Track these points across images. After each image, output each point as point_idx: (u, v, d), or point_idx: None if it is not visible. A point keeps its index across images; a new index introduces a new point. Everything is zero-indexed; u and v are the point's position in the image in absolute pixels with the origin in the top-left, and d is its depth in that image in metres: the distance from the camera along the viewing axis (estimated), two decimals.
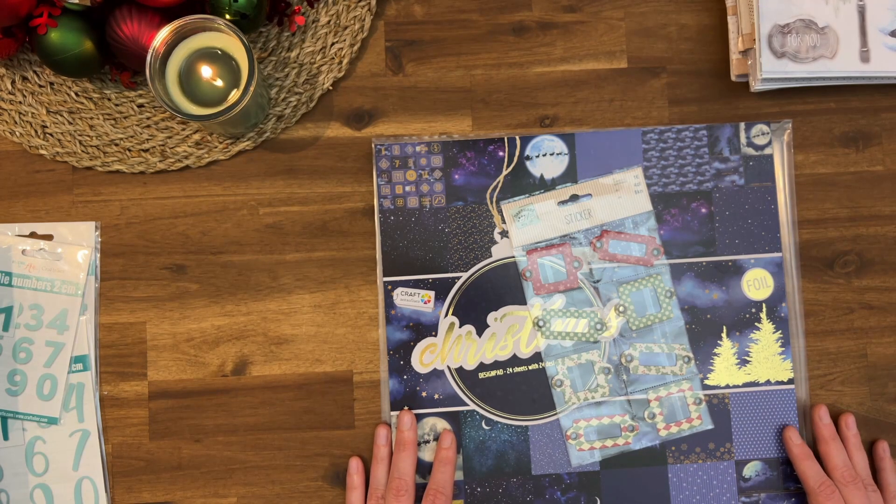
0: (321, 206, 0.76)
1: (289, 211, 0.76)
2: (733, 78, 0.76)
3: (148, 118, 0.76)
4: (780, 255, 0.76)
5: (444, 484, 0.72)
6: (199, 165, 0.76)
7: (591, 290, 0.75)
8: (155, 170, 0.76)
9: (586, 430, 0.75)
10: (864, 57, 0.74)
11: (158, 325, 0.75)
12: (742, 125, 0.76)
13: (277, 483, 0.75)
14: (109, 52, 0.72)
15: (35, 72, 0.76)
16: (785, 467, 0.75)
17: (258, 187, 0.76)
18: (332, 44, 0.77)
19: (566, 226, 0.76)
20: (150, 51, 0.68)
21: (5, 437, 0.74)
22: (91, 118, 0.76)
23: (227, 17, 0.71)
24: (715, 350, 0.75)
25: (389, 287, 0.75)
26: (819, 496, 0.70)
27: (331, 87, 0.77)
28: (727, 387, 0.75)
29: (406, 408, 0.74)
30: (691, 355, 0.75)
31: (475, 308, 0.75)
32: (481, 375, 0.75)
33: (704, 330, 0.75)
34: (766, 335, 0.75)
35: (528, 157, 0.76)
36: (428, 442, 0.74)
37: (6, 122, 0.76)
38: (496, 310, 0.75)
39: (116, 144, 0.76)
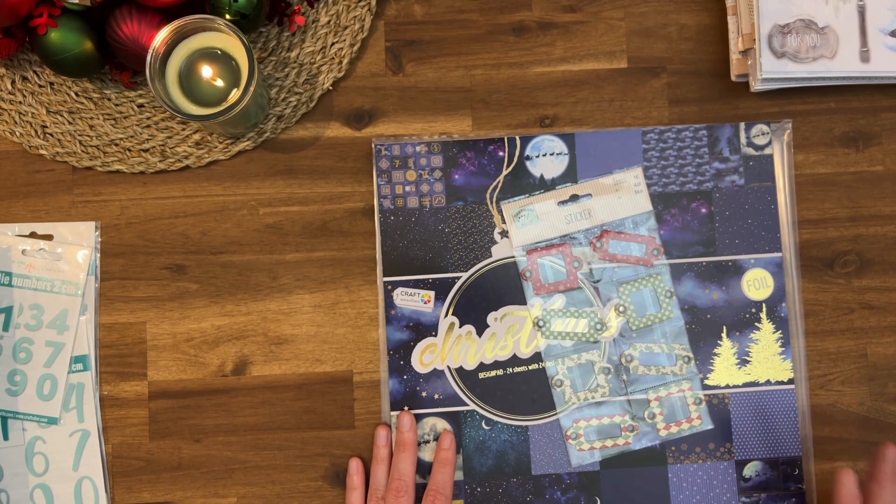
0: (321, 206, 0.76)
1: (289, 211, 0.76)
2: (733, 78, 0.76)
3: (148, 118, 0.76)
4: (780, 255, 0.76)
5: (443, 484, 0.72)
6: (199, 165, 0.76)
7: (591, 290, 0.75)
8: (155, 170, 0.76)
9: (586, 430, 0.75)
10: (864, 57, 0.74)
11: (158, 325, 0.75)
12: (742, 125, 0.76)
13: (277, 483, 0.75)
14: (109, 52, 0.72)
15: (35, 72, 0.76)
16: (785, 467, 0.75)
17: (258, 187, 0.76)
18: (332, 44, 0.77)
19: (566, 226, 0.76)
20: (150, 51, 0.68)
21: (5, 437, 0.74)
22: (91, 118, 0.76)
23: (227, 17, 0.71)
24: (715, 350, 0.75)
25: (389, 287, 0.75)
26: None
27: (331, 87, 0.77)
28: (727, 387, 0.75)
29: (406, 408, 0.74)
30: (691, 355, 0.75)
31: (475, 308, 0.75)
32: (481, 375, 0.75)
33: (704, 330, 0.75)
34: (766, 335, 0.75)
35: (528, 157, 0.76)
36: (428, 442, 0.74)
37: (6, 122, 0.76)
38: (496, 310, 0.75)
39: (116, 144, 0.76)
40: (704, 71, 0.78)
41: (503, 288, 0.75)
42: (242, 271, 0.76)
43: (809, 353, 0.77)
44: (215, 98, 0.70)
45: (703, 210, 0.76)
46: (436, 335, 0.75)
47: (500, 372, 0.75)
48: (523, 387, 0.75)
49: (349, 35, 0.77)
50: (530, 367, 0.75)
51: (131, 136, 0.76)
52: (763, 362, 0.75)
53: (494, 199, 0.76)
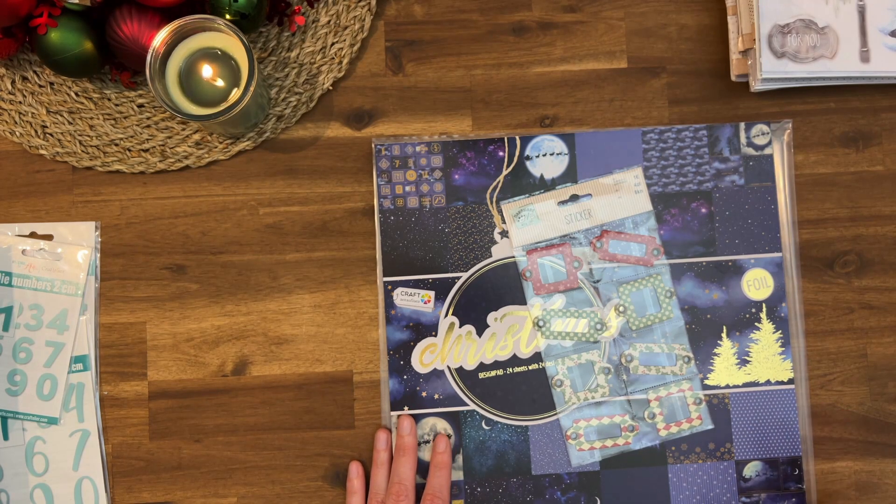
0: (321, 206, 0.76)
1: (289, 211, 0.76)
2: (733, 78, 0.76)
3: (148, 118, 0.76)
4: (780, 255, 0.76)
5: (440, 488, 0.72)
6: (199, 165, 0.76)
7: (591, 290, 0.75)
8: (155, 170, 0.76)
9: (586, 430, 0.75)
10: (864, 57, 0.74)
11: (158, 325, 0.75)
12: (742, 125, 0.76)
13: (277, 483, 0.75)
14: (109, 52, 0.72)
15: (35, 72, 0.76)
16: (785, 467, 0.75)
17: (258, 187, 0.76)
18: (332, 44, 0.77)
19: (566, 226, 0.76)
20: (150, 51, 0.68)
21: (5, 437, 0.74)
22: (91, 118, 0.76)
23: (227, 17, 0.71)
24: (715, 350, 0.75)
25: (389, 287, 0.75)
26: None
27: (331, 87, 0.77)
28: (727, 387, 0.75)
29: (406, 411, 0.74)
30: (691, 355, 0.75)
31: (475, 308, 0.75)
32: (481, 375, 0.75)
33: (704, 330, 0.75)
34: (766, 335, 0.75)
35: (528, 157, 0.76)
36: (428, 442, 0.74)
37: (6, 122, 0.76)
38: (496, 310, 0.75)
39: (116, 144, 0.76)
40: (704, 71, 0.78)
41: (503, 288, 0.75)
42: (242, 271, 0.76)
43: (809, 353, 0.77)
44: (215, 98, 0.70)
45: (703, 210, 0.76)
46: (436, 335, 0.75)
47: (500, 372, 0.75)
48: (523, 387, 0.75)
49: (349, 35, 0.77)
50: (530, 367, 0.75)
51: (131, 136, 0.76)
52: (763, 362, 0.75)
53: (494, 199, 0.76)
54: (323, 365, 0.76)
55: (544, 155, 0.76)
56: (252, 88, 0.68)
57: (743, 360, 0.75)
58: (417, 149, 0.76)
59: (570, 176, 0.76)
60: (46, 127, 0.76)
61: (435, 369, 0.75)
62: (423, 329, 0.75)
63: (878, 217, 0.77)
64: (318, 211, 0.76)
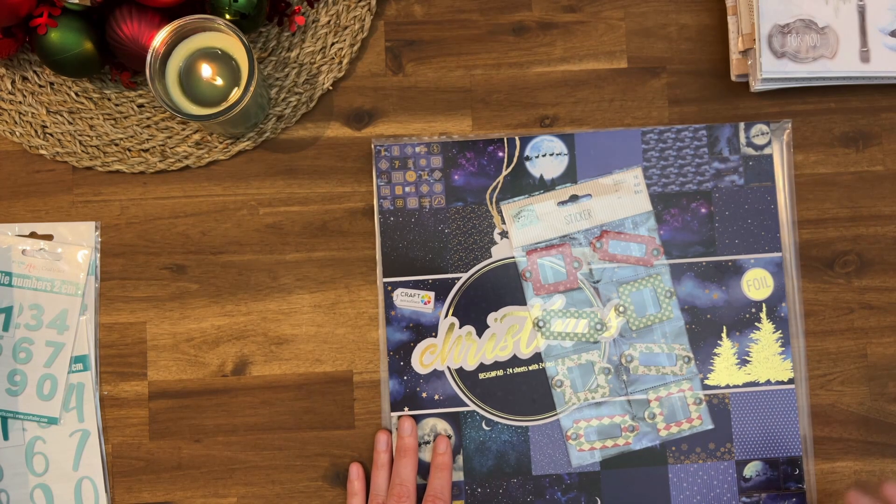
0: (321, 206, 0.76)
1: (289, 211, 0.76)
2: (733, 78, 0.76)
3: (148, 118, 0.76)
4: (780, 255, 0.76)
5: (441, 489, 0.72)
6: (199, 165, 0.76)
7: (591, 291, 0.75)
8: (155, 170, 0.76)
9: (586, 430, 0.75)
10: (864, 57, 0.74)
11: (158, 325, 0.75)
12: (742, 125, 0.76)
13: (277, 483, 0.75)
14: (109, 52, 0.72)
15: (35, 72, 0.76)
16: (785, 467, 0.75)
17: (258, 187, 0.76)
18: (332, 44, 0.77)
19: (566, 226, 0.76)
20: (150, 51, 0.68)
21: (5, 437, 0.74)
22: (91, 118, 0.76)
23: (227, 17, 0.71)
24: (715, 350, 0.75)
25: (389, 288, 0.75)
26: None
27: (331, 87, 0.77)
28: (727, 387, 0.75)
29: (406, 412, 0.74)
30: (691, 355, 0.75)
31: (475, 309, 0.75)
32: (481, 376, 0.75)
33: (704, 330, 0.75)
34: (766, 335, 0.75)
35: (527, 158, 0.76)
36: (428, 443, 0.74)
37: (6, 122, 0.76)
38: (496, 310, 0.75)
39: (116, 144, 0.76)
40: (704, 71, 0.78)
41: (503, 288, 0.75)
42: (242, 271, 0.76)
43: (809, 353, 0.77)
44: (215, 98, 0.70)
45: (703, 210, 0.76)
46: (436, 336, 0.75)
47: (500, 372, 0.75)
48: (523, 387, 0.75)
49: (349, 35, 0.77)
50: (530, 368, 0.75)
51: (131, 136, 0.76)
52: (763, 362, 0.75)
53: (494, 200, 0.76)
54: (323, 365, 0.76)
55: (544, 155, 0.76)
56: (252, 88, 0.68)
57: (743, 360, 0.75)
58: (417, 149, 0.76)
59: (569, 176, 0.76)
60: (46, 127, 0.76)
61: (435, 370, 0.75)
62: (423, 330, 0.75)
63: (878, 217, 0.77)
64: (318, 211, 0.76)
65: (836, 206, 0.77)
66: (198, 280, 0.76)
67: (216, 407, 0.75)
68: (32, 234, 0.75)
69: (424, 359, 0.75)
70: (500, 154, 0.76)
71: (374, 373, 0.76)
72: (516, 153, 0.76)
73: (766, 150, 0.76)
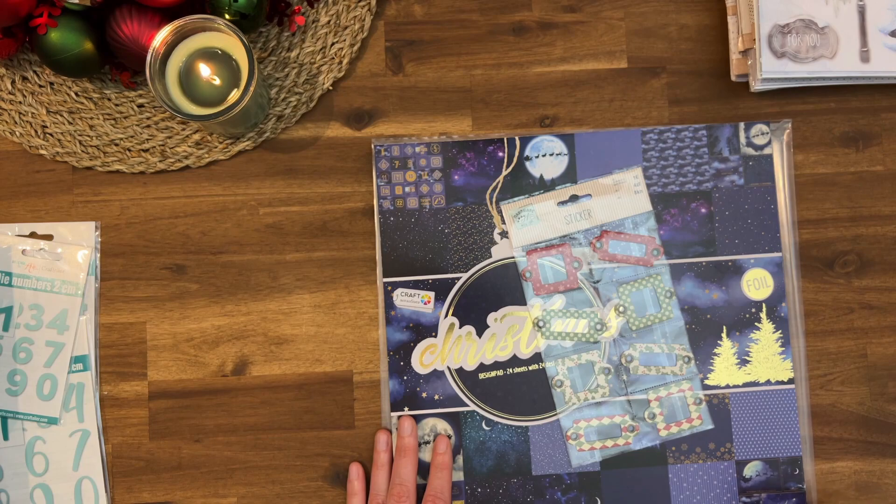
0: (321, 206, 0.76)
1: (289, 211, 0.76)
2: (733, 78, 0.76)
3: (148, 118, 0.76)
4: (779, 255, 0.76)
5: (441, 489, 0.72)
6: (199, 165, 0.76)
7: (591, 291, 0.75)
8: (155, 170, 0.76)
9: (586, 430, 0.75)
10: (864, 57, 0.74)
11: (158, 325, 0.75)
12: (742, 125, 0.76)
13: (277, 483, 0.75)
14: (109, 52, 0.72)
15: (35, 72, 0.76)
16: (785, 467, 0.75)
17: (258, 187, 0.76)
18: (332, 44, 0.77)
19: (566, 226, 0.76)
20: (150, 51, 0.68)
21: (5, 437, 0.74)
22: (91, 118, 0.76)
23: (227, 17, 0.71)
24: (715, 350, 0.75)
25: (389, 288, 0.75)
26: None
27: (331, 87, 0.77)
28: (727, 387, 0.75)
29: (406, 412, 0.74)
30: (691, 355, 0.75)
31: (475, 309, 0.75)
32: (481, 376, 0.75)
33: (704, 330, 0.75)
34: (766, 335, 0.75)
35: (527, 158, 0.76)
36: (428, 443, 0.74)
37: (6, 122, 0.76)
38: (496, 310, 0.75)
39: (116, 144, 0.76)
40: (704, 71, 0.78)
41: (503, 288, 0.75)
42: (242, 271, 0.76)
43: (809, 353, 0.77)
44: (215, 98, 0.70)
45: (703, 210, 0.76)
46: (436, 336, 0.75)
47: (500, 372, 0.75)
48: (523, 387, 0.75)
49: (349, 35, 0.77)
50: (530, 368, 0.75)
51: (131, 136, 0.76)
52: (763, 362, 0.75)
53: (494, 200, 0.76)
54: (323, 365, 0.76)
55: (544, 155, 0.76)
56: (252, 88, 0.68)
57: (743, 360, 0.75)
58: (417, 149, 0.76)
59: (569, 176, 0.76)
60: (46, 127, 0.76)
61: (435, 370, 0.75)
62: (423, 330, 0.75)
63: (878, 217, 0.77)
64: (318, 211, 0.76)
65: (836, 206, 0.77)
66: (198, 280, 0.76)
67: (216, 407, 0.75)
68: (32, 234, 0.75)
69: (424, 359, 0.75)
70: (500, 154, 0.76)
71: (374, 373, 0.76)
72: (516, 153, 0.76)
73: (766, 150, 0.76)
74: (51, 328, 0.74)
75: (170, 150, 0.76)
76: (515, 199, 0.76)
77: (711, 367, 0.75)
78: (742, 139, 0.76)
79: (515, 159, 0.76)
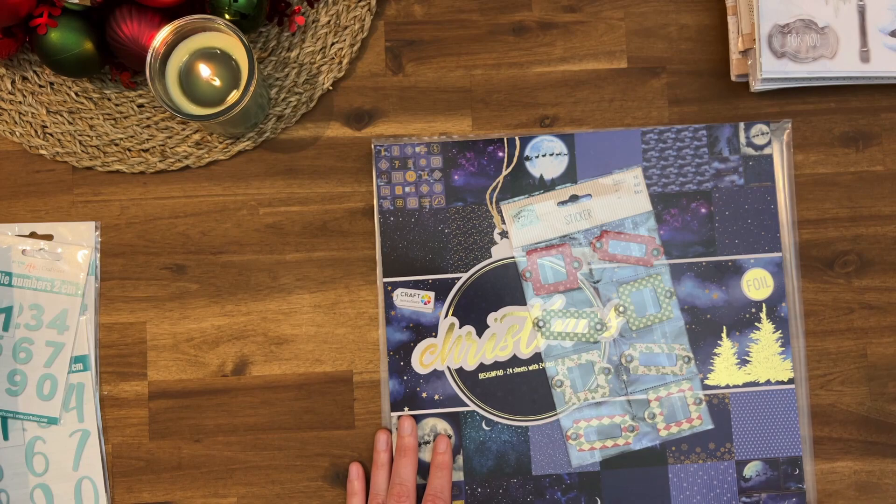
0: (321, 206, 0.76)
1: (289, 211, 0.76)
2: (733, 78, 0.76)
3: (148, 118, 0.76)
4: (779, 255, 0.76)
5: (441, 489, 0.72)
6: (199, 165, 0.76)
7: (590, 291, 0.75)
8: (155, 170, 0.76)
9: (586, 430, 0.75)
10: (864, 57, 0.74)
11: (158, 325, 0.75)
12: (741, 125, 0.76)
13: (277, 483, 0.75)
14: (109, 52, 0.72)
15: (35, 72, 0.76)
16: (785, 467, 0.75)
17: (258, 187, 0.76)
18: (332, 44, 0.77)
19: (566, 226, 0.76)
20: (150, 51, 0.68)
21: (5, 437, 0.74)
22: (91, 118, 0.76)
23: (227, 17, 0.71)
24: (715, 350, 0.75)
25: (389, 288, 0.75)
26: None
27: (331, 87, 0.77)
28: (727, 387, 0.75)
29: (406, 412, 0.74)
30: (691, 355, 0.75)
31: (475, 309, 0.75)
32: (481, 376, 0.75)
33: (704, 330, 0.75)
34: (766, 335, 0.75)
35: (527, 158, 0.76)
36: (428, 443, 0.74)
37: (6, 122, 0.76)
38: (496, 310, 0.75)
39: (116, 144, 0.76)
40: (704, 71, 0.78)
41: (503, 288, 0.75)
42: (242, 271, 0.76)
43: (809, 353, 0.77)
44: (215, 98, 0.70)
45: (703, 210, 0.76)
46: (436, 336, 0.75)
47: (500, 372, 0.75)
48: (523, 387, 0.75)
49: (349, 35, 0.77)
50: (530, 368, 0.75)
51: (131, 136, 0.76)
52: (763, 362, 0.75)
53: (494, 200, 0.76)
54: (323, 365, 0.76)
55: (544, 155, 0.76)
56: (252, 88, 0.68)
57: (743, 360, 0.75)
58: (417, 149, 0.76)
59: (569, 176, 0.76)
60: (46, 127, 0.76)
61: (435, 370, 0.75)
62: (423, 330, 0.75)
63: (878, 217, 0.77)
64: (318, 211, 0.76)
65: (836, 206, 0.77)
66: (198, 280, 0.76)
67: (216, 407, 0.75)
68: (32, 234, 0.75)
69: (424, 359, 0.75)
70: (500, 154, 0.76)
71: (374, 373, 0.76)
72: (516, 153, 0.76)
73: (766, 150, 0.76)
74: (51, 328, 0.74)
75: (170, 150, 0.76)
76: (515, 199, 0.76)
77: (711, 367, 0.75)
78: (742, 139, 0.76)
79: (515, 159, 0.76)
